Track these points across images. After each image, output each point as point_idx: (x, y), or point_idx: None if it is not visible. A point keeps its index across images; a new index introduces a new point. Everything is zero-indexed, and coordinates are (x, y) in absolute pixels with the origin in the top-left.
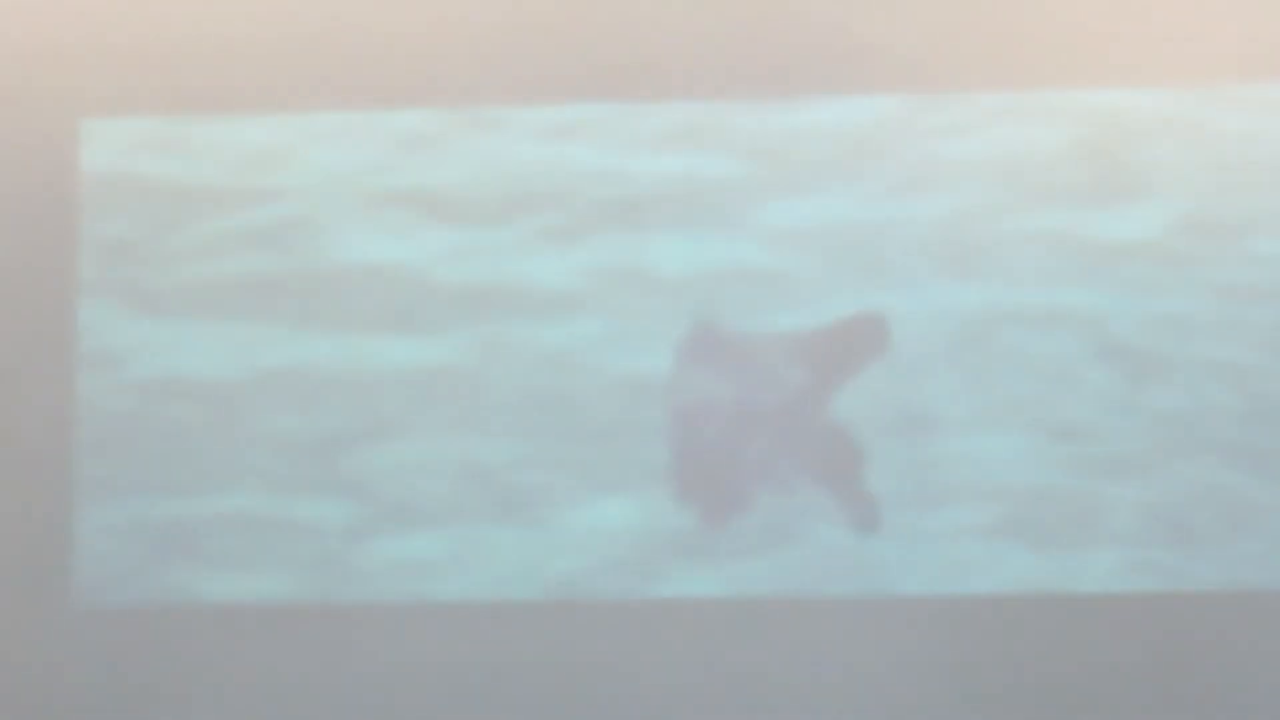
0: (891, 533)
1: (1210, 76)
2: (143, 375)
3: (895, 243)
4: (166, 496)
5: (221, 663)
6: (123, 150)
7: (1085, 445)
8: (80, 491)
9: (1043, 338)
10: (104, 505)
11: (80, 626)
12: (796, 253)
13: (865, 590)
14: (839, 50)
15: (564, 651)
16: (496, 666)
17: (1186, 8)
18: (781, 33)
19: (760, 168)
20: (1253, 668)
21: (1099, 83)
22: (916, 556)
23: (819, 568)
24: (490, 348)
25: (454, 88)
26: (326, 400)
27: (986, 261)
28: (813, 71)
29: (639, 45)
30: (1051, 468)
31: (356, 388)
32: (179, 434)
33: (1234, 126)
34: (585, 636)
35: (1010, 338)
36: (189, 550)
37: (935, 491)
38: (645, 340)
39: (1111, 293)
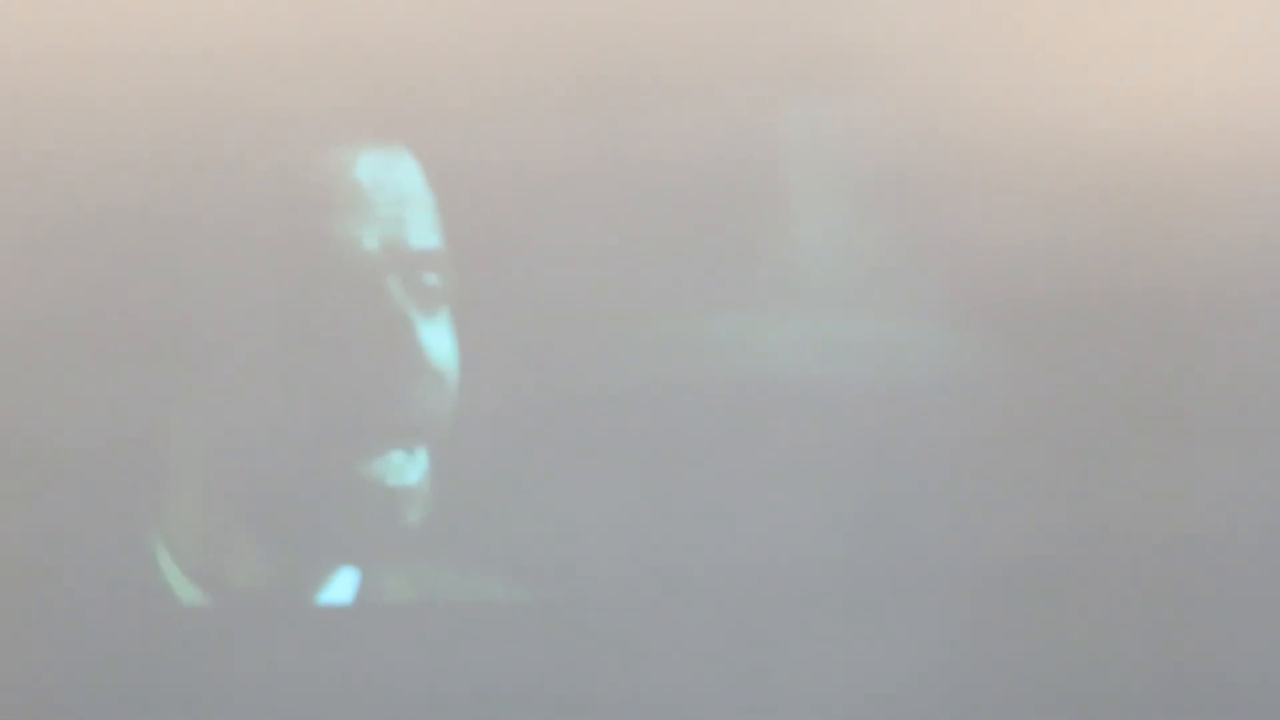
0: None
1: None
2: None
3: None
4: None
5: (224, 662)
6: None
7: None
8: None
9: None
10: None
11: (83, 626)
12: None
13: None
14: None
15: (564, 651)
16: (496, 666)
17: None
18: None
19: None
20: (1253, 668)
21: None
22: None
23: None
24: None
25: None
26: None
27: None
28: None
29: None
30: None
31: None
32: None
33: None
34: (585, 637)
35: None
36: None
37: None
38: None
39: None
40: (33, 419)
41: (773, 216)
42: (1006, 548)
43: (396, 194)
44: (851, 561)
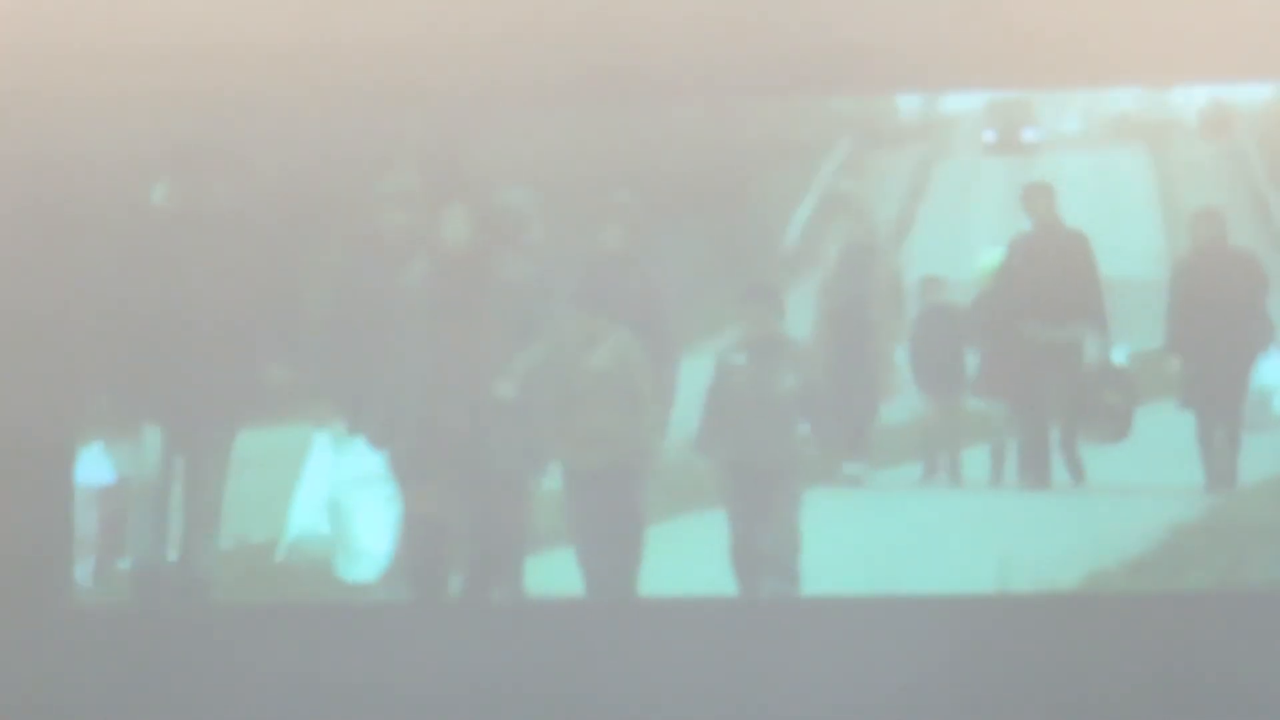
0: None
1: (1219, 74)
2: None
3: None
4: None
5: (222, 663)
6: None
7: None
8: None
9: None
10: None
11: (80, 627)
12: None
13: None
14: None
15: (564, 651)
16: (500, 666)
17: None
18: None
19: None
20: (1252, 668)
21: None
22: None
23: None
24: None
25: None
26: None
27: None
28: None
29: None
30: None
31: None
32: None
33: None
34: (586, 636)
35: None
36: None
37: None
38: None
39: None
40: None
41: None
42: None
43: None
44: None
